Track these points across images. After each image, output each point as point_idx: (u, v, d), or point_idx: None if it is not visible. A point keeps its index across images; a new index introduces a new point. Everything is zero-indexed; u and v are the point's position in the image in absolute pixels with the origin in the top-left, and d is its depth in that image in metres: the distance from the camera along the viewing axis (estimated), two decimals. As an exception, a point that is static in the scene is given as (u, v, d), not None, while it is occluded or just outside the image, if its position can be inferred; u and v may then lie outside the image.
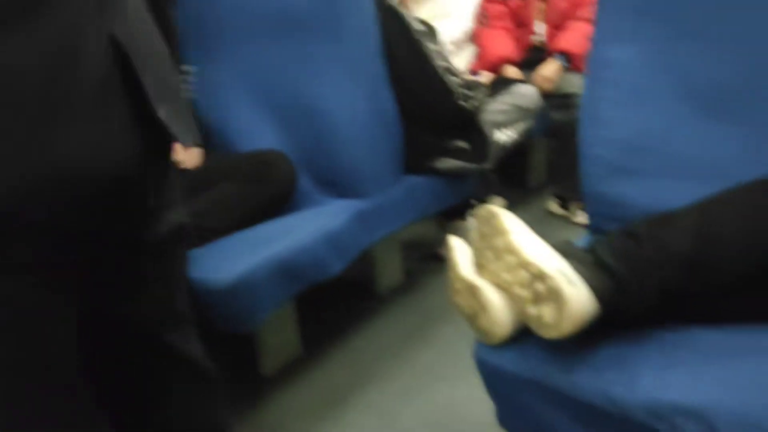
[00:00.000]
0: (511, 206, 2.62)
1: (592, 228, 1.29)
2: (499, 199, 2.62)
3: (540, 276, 0.86)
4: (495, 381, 1.01)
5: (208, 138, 1.86)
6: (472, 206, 2.17)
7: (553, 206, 2.64)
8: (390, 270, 2.05)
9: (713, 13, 1.17)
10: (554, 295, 0.84)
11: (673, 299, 0.92)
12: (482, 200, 2.39)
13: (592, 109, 1.27)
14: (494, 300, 0.95)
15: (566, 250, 0.92)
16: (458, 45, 2.60)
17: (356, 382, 1.66)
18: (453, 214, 2.20)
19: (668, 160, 1.19)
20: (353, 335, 1.88)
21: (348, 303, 2.03)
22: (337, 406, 1.58)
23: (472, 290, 0.99)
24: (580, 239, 1.19)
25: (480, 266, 1.01)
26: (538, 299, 0.87)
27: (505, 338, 0.97)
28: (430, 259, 2.27)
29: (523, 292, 0.89)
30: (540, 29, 2.68)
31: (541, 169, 2.94)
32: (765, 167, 0.95)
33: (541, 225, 2.55)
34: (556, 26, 2.64)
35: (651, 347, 0.91)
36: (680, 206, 0.97)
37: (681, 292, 0.91)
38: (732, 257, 0.91)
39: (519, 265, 0.90)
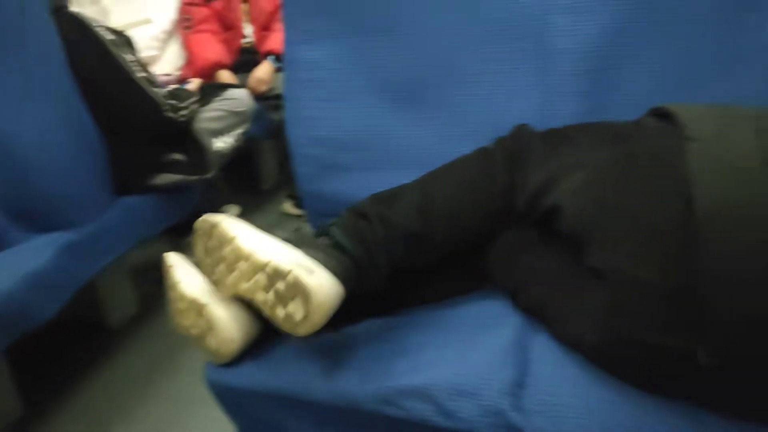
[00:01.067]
0: (247, 212, 2.60)
1: (313, 226, 1.31)
2: (233, 207, 2.57)
3: (277, 274, 0.81)
4: (230, 400, 0.98)
5: None
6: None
7: (288, 207, 2.66)
8: (121, 300, 1.89)
9: (398, 8, 1.21)
10: (297, 289, 0.79)
11: (404, 275, 0.96)
12: (215, 211, 2.32)
13: (295, 109, 1.28)
14: (222, 316, 0.91)
15: (299, 240, 0.89)
16: (162, 41, 2.42)
17: (97, 430, 1.50)
18: (184, 230, 2.09)
19: (375, 153, 1.23)
20: (87, 380, 1.69)
21: (77, 345, 1.82)
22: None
23: (198, 309, 0.93)
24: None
25: (216, 283, 0.93)
26: (283, 299, 0.81)
27: (235, 354, 0.93)
28: (167, 281, 2.13)
29: (267, 296, 0.83)
30: (249, 31, 2.67)
31: (273, 171, 2.94)
32: (460, 150, 1.01)
33: (278, 227, 2.59)
34: (264, 27, 2.66)
35: (377, 338, 0.94)
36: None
37: (409, 266, 0.96)
38: (447, 230, 0.95)
39: (254, 269, 0.84)
